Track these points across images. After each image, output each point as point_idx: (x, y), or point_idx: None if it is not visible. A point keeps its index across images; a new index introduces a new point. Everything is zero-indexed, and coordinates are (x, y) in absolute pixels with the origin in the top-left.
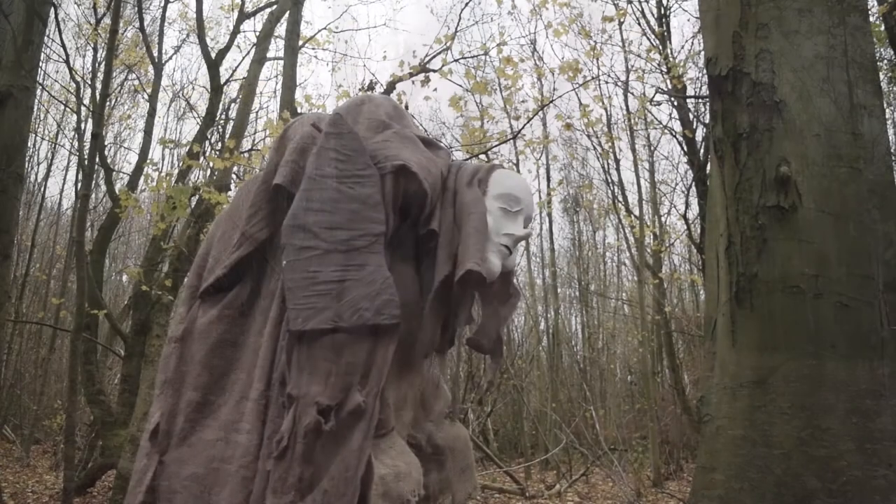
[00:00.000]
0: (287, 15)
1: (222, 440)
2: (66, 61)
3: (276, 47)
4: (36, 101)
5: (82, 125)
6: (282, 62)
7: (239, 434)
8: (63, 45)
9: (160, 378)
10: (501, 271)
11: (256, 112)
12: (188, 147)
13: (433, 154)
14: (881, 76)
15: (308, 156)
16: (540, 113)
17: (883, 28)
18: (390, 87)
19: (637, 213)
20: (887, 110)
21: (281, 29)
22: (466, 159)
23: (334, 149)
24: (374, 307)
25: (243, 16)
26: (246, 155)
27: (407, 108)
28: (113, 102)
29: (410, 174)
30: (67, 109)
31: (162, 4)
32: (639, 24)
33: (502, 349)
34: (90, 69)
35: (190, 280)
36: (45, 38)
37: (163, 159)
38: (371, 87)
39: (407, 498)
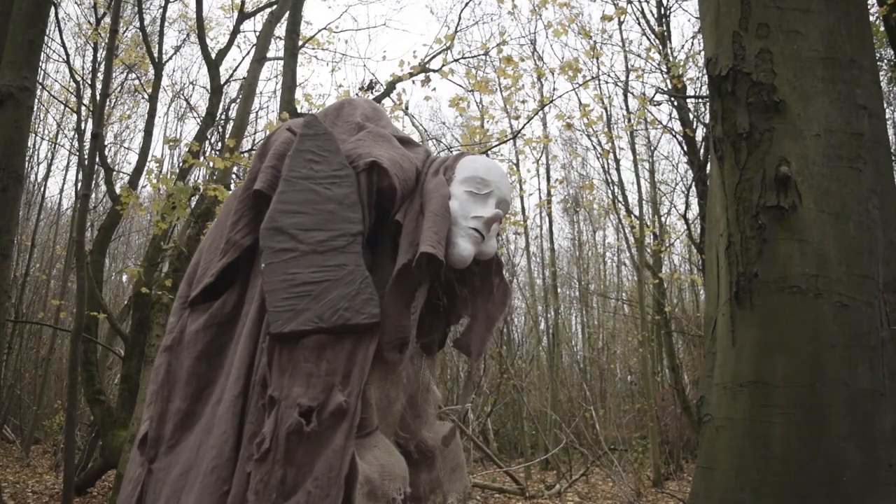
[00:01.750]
0: (287, 15)
1: (196, 445)
2: (67, 61)
3: (276, 47)
4: (36, 101)
5: (82, 125)
6: (282, 62)
7: (212, 436)
8: (63, 45)
9: (151, 388)
10: (480, 258)
11: (256, 112)
12: (188, 147)
13: (409, 151)
14: (881, 76)
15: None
16: (540, 113)
17: (883, 28)
18: (390, 86)
19: (637, 213)
20: (887, 110)
21: (281, 29)
22: None
23: (309, 150)
24: (354, 307)
25: (243, 16)
26: (245, 155)
27: (407, 107)
28: (113, 102)
29: (382, 170)
30: (67, 109)
31: (162, 4)
32: (639, 23)
33: (480, 351)
34: (90, 69)
35: (181, 290)
36: (45, 37)
37: (163, 159)
38: (371, 86)
39: (393, 496)
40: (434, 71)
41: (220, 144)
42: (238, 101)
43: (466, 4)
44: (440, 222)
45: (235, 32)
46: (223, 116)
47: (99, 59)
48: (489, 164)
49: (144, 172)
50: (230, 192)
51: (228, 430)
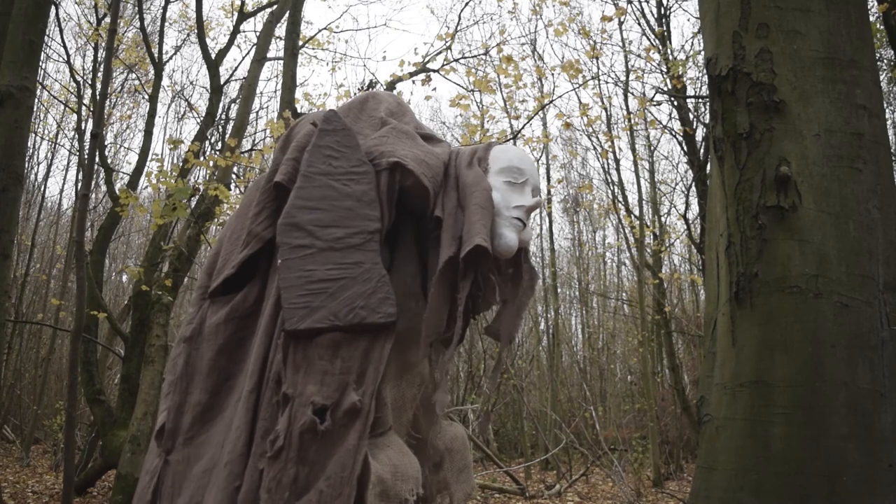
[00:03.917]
0: (287, 15)
1: (220, 442)
2: (67, 61)
3: (276, 47)
4: (36, 101)
5: (82, 125)
6: (282, 62)
7: (230, 432)
8: (63, 45)
9: (168, 378)
10: (518, 247)
11: (257, 112)
12: (188, 148)
13: (433, 147)
14: (881, 76)
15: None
16: (540, 112)
17: (883, 28)
18: (390, 87)
19: (637, 213)
20: (887, 110)
21: (281, 29)
22: None
23: (327, 146)
24: (370, 305)
25: (243, 16)
26: (246, 154)
27: None
28: (113, 102)
29: (406, 171)
30: (67, 109)
31: (162, 4)
32: (639, 23)
33: (512, 336)
34: (90, 69)
35: (201, 280)
36: (46, 37)
37: (163, 159)
38: (371, 86)
39: (405, 497)
40: (434, 71)
41: (220, 144)
42: (238, 101)
43: (466, 4)
44: (486, 215)
45: (235, 32)
46: (223, 116)
47: (99, 59)
48: (521, 153)
49: (144, 173)
50: (229, 190)
51: (242, 426)
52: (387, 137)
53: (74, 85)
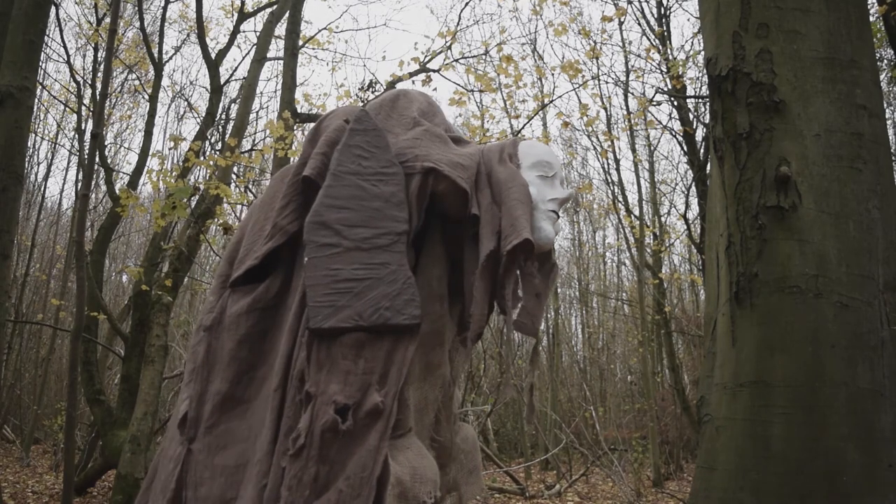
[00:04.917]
0: (287, 15)
1: (253, 437)
2: (67, 61)
3: (276, 47)
4: (36, 101)
5: (82, 125)
6: (282, 62)
7: (261, 429)
8: (64, 45)
9: (189, 367)
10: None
11: (257, 112)
12: (189, 147)
13: (463, 149)
14: (881, 76)
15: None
16: (540, 112)
17: (883, 28)
18: (390, 87)
19: (637, 213)
20: (887, 110)
21: (281, 29)
22: None
23: (358, 145)
24: (395, 306)
25: (243, 16)
26: (246, 154)
27: None
28: (113, 102)
29: (441, 176)
30: (67, 109)
31: (162, 4)
32: (639, 24)
33: (537, 329)
34: (90, 69)
35: (221, 269)
36: (46, 37)
37: (164, 158)
38: (370, 86)
39: (423, 500)
40: (434, 71)
41: (220, 144)
42: (238, 101)
43: (466, 4)
44: (527, 209)
45: (235, 32)
46: (223, 116)
47: (99, 59)
48: (548, 148)
49: (144, 173)
50: (232, 185)
51: (268, 424)
52: (420, 140)
53: (74, 85)
